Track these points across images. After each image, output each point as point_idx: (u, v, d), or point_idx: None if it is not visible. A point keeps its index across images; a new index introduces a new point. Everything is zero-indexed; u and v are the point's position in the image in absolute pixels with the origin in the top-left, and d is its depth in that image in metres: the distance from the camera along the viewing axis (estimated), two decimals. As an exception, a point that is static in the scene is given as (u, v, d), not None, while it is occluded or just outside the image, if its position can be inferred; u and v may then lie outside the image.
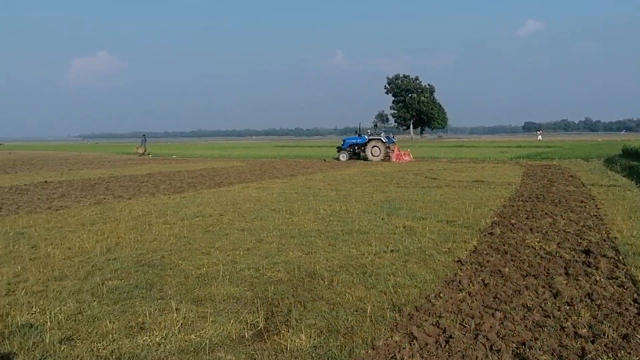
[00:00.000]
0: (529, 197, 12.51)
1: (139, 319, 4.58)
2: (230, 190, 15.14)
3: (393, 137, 33.55)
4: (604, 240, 7.58)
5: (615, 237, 7.71)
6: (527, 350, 3.89)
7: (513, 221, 9.17)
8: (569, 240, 7.67)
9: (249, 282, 5.70)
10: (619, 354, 3.85)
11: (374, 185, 15.87)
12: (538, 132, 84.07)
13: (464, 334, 4.14)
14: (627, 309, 4.75)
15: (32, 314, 4.74)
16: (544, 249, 7.06)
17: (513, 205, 11.17)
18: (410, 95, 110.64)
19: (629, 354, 3.86)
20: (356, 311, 4.71)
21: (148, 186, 16.41)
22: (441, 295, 5.09)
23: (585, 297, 5.09)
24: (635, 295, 5.12)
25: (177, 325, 4.43)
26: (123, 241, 7.83)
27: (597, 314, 4.64)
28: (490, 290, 5.30)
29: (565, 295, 5.15)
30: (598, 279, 5.67)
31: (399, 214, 10.12)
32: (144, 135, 46.37)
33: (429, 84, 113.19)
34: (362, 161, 30.17)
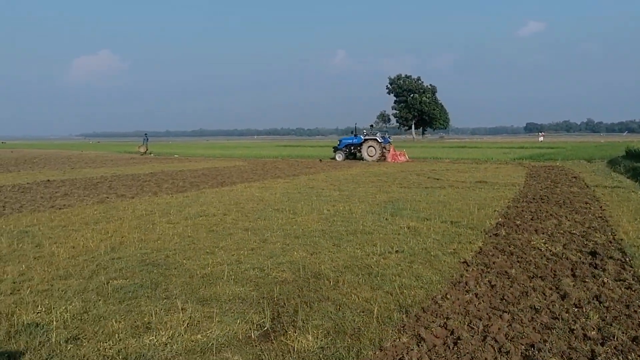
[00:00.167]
0: (533, 198, 12.47)
1: (145, 319, 4.56)
2: (233, 189, 15.12)
3: (389, 137, 33.64)
4: (610, 242, 7.55)
5: (621, 239, 7.68)
6: (537, 352, 3.87)
7: (518, 222, 9.14)
8: (574, 241, 7.64)
9: (254, 282, 5.67)
10: (629, 357, 3.82)
11: (377, 186, 15.84)
12: (540, 134, 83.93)
13: (472, 336, 4.11)
14: (635, 311, 4.71)
15: (38, 313, 4.73)
16: (550, 251, 7.03)
17: (517, 207, 11.13)
18: (412, 95, 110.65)
19: (639, 356, 3.83)
20: (363, 312, 4.68)
21: (151, 185, 16.40)
22: (448, 296, 5.07)
23: (593, 299, 5.06)
24: (644, 298, 5.09)
25: (183, 325, 4.41)
26: (127, 240, 7.82)
27: (606, 316, 4.61)
28: (497, 291, 5.27)
29: (573, 297, 5.12)
30: (605, 280, 5.64)
31: (402, 214, 10.09)
32: (145, 134, 46.37)
33: (430, 84, 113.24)
34: (364, 161, 30.12)
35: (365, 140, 31.44)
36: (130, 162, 31.82)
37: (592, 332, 4.26)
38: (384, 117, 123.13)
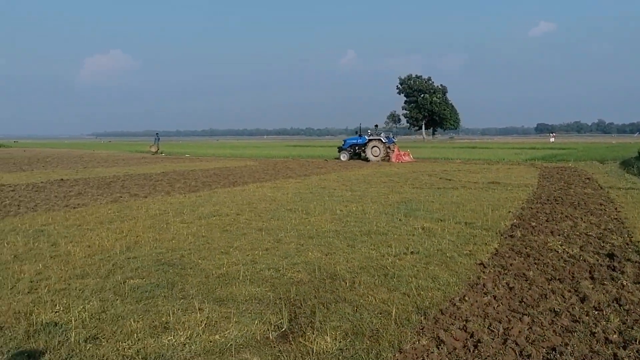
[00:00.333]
0: (547, 200, 12.37)
1: (163, 319, 4.57)
2: (245, 189, 15.14)
3: (393, 137, 33.65)
4: (627, 244, 7.46)
5: (638, 241, 7.59)
6: (558, 355, 3.82)
7: (533, 224, 9.07)
8: (591, 243, 7.56)
9: (270, 282, 5.67)
10: (653, 362, 3.77)
11: (389, 186, 15.79)
12: (551, 135, 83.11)
13: (493, 339, 4.08)
14: (657, 315, 4.65)
15: (56, 312, 4.75)
16: (567, 253, 6.96)
17: (532, 208, 11.04)
18: (422, 95, 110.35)
19: (663, 361, 3.78)
20: (380, 313, 4.66)
21: (163, 185, 16.47)
22: (466, 298, 5.03)
23: (613, 302, 5.00)
24: (665, 301, 5.02)
25: (201, 325, 4.41)
26: (142, 240, 7.84)
27: (627, 319, 4.55)
28: (515, 294, 5.22)
29: (592, 299, 5.06)
30: (625, 283, 5.57)
31: (416, 215, 10.04)
32: (157, 133, 46.59)
33: (441, 85, 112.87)
34: (376, 162, 30.06)
35: (370, 140, 31.50)
36: (142, 161, 31.99)
37: (614, 336, 4.21)
38: (394, 118, 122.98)
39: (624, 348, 3.98)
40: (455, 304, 4.86)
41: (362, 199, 12.69)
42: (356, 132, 33.58)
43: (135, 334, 4.23)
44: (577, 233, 8.29)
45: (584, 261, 6.54)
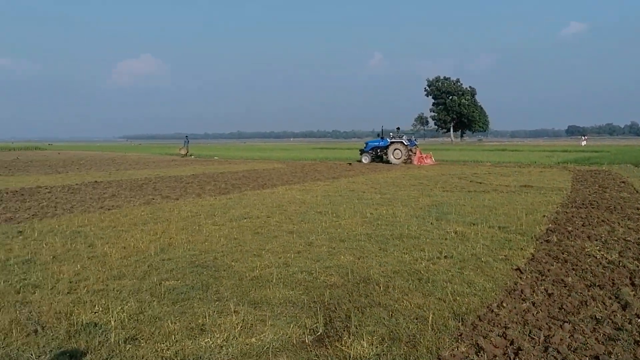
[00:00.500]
0: (582, 204, 12.08)
1: (199, 321, 4.61)
2: (274, 192, 15.21)
3: (415, 139, 33.42)
4: (669, 250, 7.22)
5: (681, 247, 7.34)
6: (603, 365, 3.71)
7: (569, 228, 8.86)
8: (630, 249, 7.35)
9: (304, 285, 5.66)
10: None
11: (419, 189, 15.65)
12: (583, 137, 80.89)
13: (534, 346, 3.98)
14: None
15: (95, 312, 4.83)
16: (606, 258, 6.77)
17: (567, 212, 10.80)
18: (450, 97, 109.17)
19: None
20: (416, 319, 4.60)
21: (194, 187, 16.67)
22: (504, 304, 4.93)
23: (657, 310, 4.84)
24: None
25: (237, 328, 4.43)
26: (175, 242, 7.94)
27: (673, 329, 4.40)
28: (554, 300, 5.10)
29: (634, 307, 4.91)
30: (669, 291, 5.38)
31: (448, 219, 9.92)
32: (186, 136, 47.19)
33: (470, 86, 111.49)
34: (398, 164, 29.88)
35: (392, 143, 31.45)
36: (171, 164, 32.46)
37: (660, 346, 4.06)
38: (422, 120, 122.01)
39: (672, 358, 3.84)
40: (493, 310, 4.77)
41: (392, 202, 12.61)
42: (378, 135, 33.49)
43: (173, 336, 4.27)
44: (615, 238, 8.07)
45: (624, 267, 6.35)
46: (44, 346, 4.09)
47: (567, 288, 5.51)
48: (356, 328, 4.41)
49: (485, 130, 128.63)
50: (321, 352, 3.97)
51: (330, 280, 5.86)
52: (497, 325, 4.39)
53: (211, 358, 3.88)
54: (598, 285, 5.62)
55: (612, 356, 3.87)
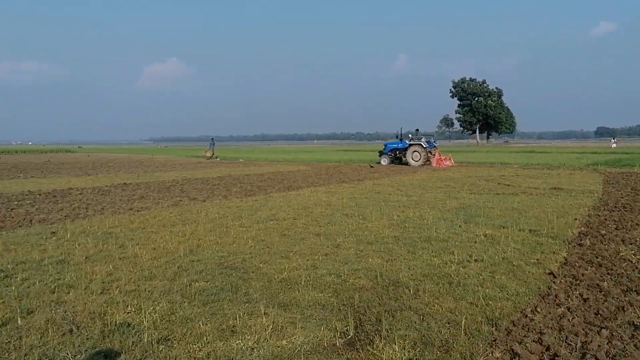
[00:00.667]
0: (615, 207, 11.79)
1: (230, 322, 4.62)
2: (300, 194, 15.23)
3: (434, 141, 33.19)
4: None
5: None
6: (644, 374, 3.60)
7: (602, 232, 8.65)
8: (668, 253, 7.13)
9: (332, 288, 5.64)
10: None
11: (446, 191, 15.49)
12: (612, 140, 78.64)
13: (570, 353, 3.89)
14: None
15: (128, 313, 4.89)
16: (643, 263, 6.58)
17: (599, 215, 10.54)
18: (476, 99, 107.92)
19: None
20: (448, 323, 4.54)
21: (220, 189, 16.81)
22: (538, 309, 4.83)
23: (699, 318, 4.67)
24: None
25: (267, 330, 4.43)
26: (204, 243, 8.01)
27: None
28: (590, 305, 4.97)
29: (675, 314, 4.75)
30: None
31: (477, 221, 9.78)
32: (212, 139, 47.63)
33: (496, 88, 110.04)
34: (429, 166, 29.65)
35: (410, 145, 31.41)
36: (198, 166, 32.82)
37: None
38: (447, 121, 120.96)
39: None
40: (527, 315, 4.67)
41: (419, 204, 12.50)
42: (396, 137, 33.39)
43: (205, 337, 4.30)
44: (652, 242, 7.84)
45: (663, 272, 6.16)
46: (79, 346, 4.16)
47: (602, 293, 5.37)
48: (387, 332, 4.37)
49: (511, 132, 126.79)
50: (353, 356, 3.94)
51: (359, 283, 5.83)
52: (532, 331, 4.30)
53: (243, 360, 3.89)
54: (635, 290, 5.47)
55: (654, 364, 3.75)
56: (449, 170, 26.08)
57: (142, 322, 4.62)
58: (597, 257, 6.90)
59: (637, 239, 8.06)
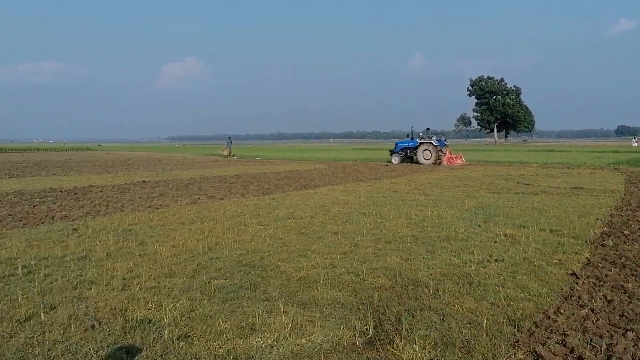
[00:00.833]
0: (638, 206, 11.58)
1: (249, 320, 4.63)
2: (317, 192, 15.22)
3: (445, 140, 33.02)
4: None
5: None
6: (672, 378, 3.52)
7: (626, 232, 8.49)
8: (694, 255, 6.97)
9: (351, 287, 5.62)
10: None
11: (464, 191, 15.35)
12: (634, 139, 77.06)
13: (595, 355, 3.82)
14: None
15: (149, 309, 4.93)
16: (669, 265, 6.44)
17: (622, 215, 10.36)
18: (494, 97, 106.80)
19: None
20: (469, 323, 4.49)
21: (237, 187, 16.88)
22: (561, 310, 4.75)
23: None
24: None
25: (286, 328, 4.43)
26: (222, 241, 8.04)
27: None
28: (614, 307, 4.88)
29: (703, 317, 4.64)
30: None
31: (496, 221, 9.68)
32: (229, 137, 47.87)
33: (515, 86, 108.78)
34: (444, 165, 29.43)
35: (421, 143, 31.39)
36: (215, 164, 33.00)
37: None
38: (464, 120, 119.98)
39: None
40: (549, 317, 4.60)
41: (437, 203, 12.41)
42: (407, 135, 33.26)
43: (224, 334, 4.31)
44: (678, 243, 7.67)
45: (690, 274, 6.02)
46: (101, 341, 4.20)
47: (627, 294, 5.27)
48: (407, 332, 4.33)
49: (530, 131, 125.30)
50: (373, 356, 3.92)
51: (378, 282, 5.80)
52: (556, 332, 4.23)
53: (262, 358, 3.89)
54: (661, 293, 5.35)
55: (681, 368, 3.67)
56: (466, 169, 25.86)
57: (163, 318, 4.66)
58: (620, 258, 6.78)
59: (662, 240, 7.89)
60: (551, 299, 5.13)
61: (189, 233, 8.64)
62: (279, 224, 9.53)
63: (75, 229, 9.10)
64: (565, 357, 3.80)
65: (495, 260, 6.71)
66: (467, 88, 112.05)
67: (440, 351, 3.96)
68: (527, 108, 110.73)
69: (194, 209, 11.61)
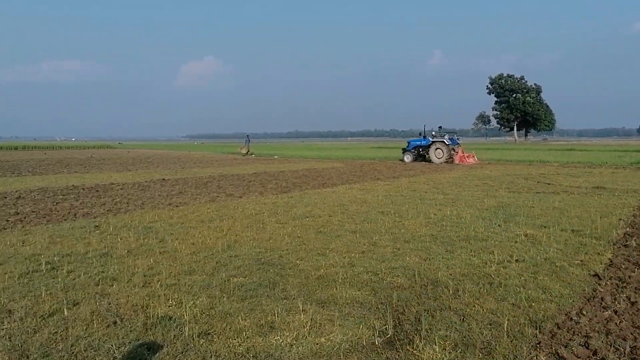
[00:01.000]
0: (663, 207, 11.35)
1: (268, 318, 4.65)
2: (335, 191, 15.22)
3: (457, 138, 32.89)
4: None
5: None
6: (699, 383, 3.45)
7: (650, 233, 8.33)
8: None
9: (370, 286, 5.61)
10: None
11: (483, 190, 15.21)
12: None
13: (619, 358, 3.75)
14: None
15: (170, 306, 4.98)
16: (695, 267, 6.31)
17: (646, 216, 10.16)
18: (514, 95, 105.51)
19: None
20: (490, 325, 4.45)
21: (256, 185, 16.96)
22: (583, 312, 4.68)
23: None
24: None
25: (305, 326, 4.44)
26: (241, 239, 8.09)
27: None
28: (638, 309, 4.80)
29: None
30: None
31: (516, 221, 9.57)
32: (247, 135, 48.10)
33: (535, 84, 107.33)
34: (464, 163, 29.22)
35: (433, 142, 31.33)
36: (234, 162, 33.21)
37: None
38: (483, 118, 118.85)
39: None
40: (572, 318, 4.53)
41: (456, 202, 12.32)
42: (420, 134, 33.15)
43: (244, 332, 4.33)
44: None
45: None
46: (122, 337, 4.26)
47: (652, 297, 5.17)
48: (427, 332, 4.31)
49: (551, 129, 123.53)
50: (392, 356, 3.90)
51: (396, 281, 5.78)
52: (578, 334, 4.17)
53: (282, 356, 3.91)
54: (687, 295, 5.24)
55: None
56: (485, 168, 25.61)
57: (183, 315, 4.70)
58: (644, 260, 6.65)
59: (688, 241, 7.73)
60: (573, 300, 5.06)
61: (208, 231, 8.71)
62: (297, 223, 9.55)
63: (97, 226, 9.23)
64: (588, 359, 3.74)
65: (516, 260, 6.64)
66: (487, 86, 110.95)
67: (460, 352, 3.93)
68: (547, 106, 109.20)
69: (213, 207, 11.70)
